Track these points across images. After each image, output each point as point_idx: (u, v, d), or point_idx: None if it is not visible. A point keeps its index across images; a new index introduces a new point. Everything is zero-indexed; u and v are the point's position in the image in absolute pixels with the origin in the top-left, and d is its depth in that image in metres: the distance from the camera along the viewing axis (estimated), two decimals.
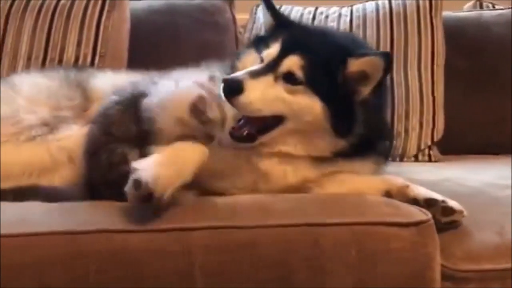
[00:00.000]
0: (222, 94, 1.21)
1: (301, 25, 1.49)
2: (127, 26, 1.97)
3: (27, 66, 1.84)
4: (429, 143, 1.94)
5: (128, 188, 1.04)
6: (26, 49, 1.87)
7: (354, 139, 1.25)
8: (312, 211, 1.10)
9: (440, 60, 2.00)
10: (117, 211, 1.08)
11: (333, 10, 2.15)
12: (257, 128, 1.25)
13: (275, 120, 1.25)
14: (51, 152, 1.32)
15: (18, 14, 1.89)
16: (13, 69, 1.84)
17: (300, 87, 1.24)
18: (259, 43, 1.36)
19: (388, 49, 1.98)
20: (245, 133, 1.24)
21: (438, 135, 1.95)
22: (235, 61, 1.39)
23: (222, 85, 1.21)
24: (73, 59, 1.86)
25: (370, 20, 2.05)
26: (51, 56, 1.86)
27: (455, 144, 2.00)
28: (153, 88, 1.31)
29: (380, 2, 2.09)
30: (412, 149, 1.93)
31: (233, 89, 1.20)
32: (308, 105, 1.23)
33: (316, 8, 2.17)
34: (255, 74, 1.24)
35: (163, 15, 2.09)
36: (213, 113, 1.18)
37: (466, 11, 2.31)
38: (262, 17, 1.48)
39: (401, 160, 1.92)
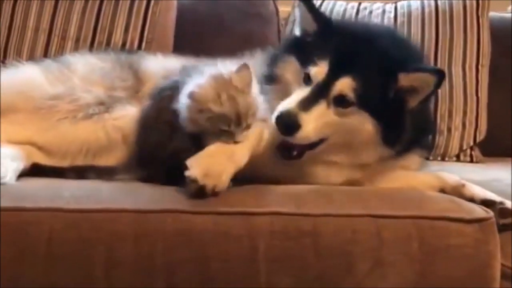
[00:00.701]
0: (278, 129, 1.18)
1: (348, 33, 1.31)
2: (173, 13, 1.98)
3: (75, 48, 1.86)
4: (471, 143, 1.93)
5: (185, 184, 1.08)
6: (74, 31, 1.88)
7: (400, 146, 1.24)
8: (374, 203, 1.11)
9: (486, 60, 1.99)
10: (183, 192, 1.09)
11: (377, 6, 2.14)
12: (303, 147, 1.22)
13: (320, 140, 1.23)
14: (107, 131, 1.34)
15: None
16: (61, 50, 1.86)
17: (352, 109, 1.21)
18: (300, 51, 1.30)
19: (433, 47, 1.97)
20: (294, 153, 1.22)
21: (480, 136, 1.94)
22: (274, 69, 1.33)
23: (275, 121, 1.18)
24: (120, 43, 1.87)
25: (415, 18, 2.04)
26: (99, 39, 1.87)
27: (496, 146, 1.99)
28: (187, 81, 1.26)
29: (425, 1, 2.08)
30: (454, 148, 1.92)
31: (289, 127, 1.18)
32: (359, 124, 1.21)
33: (360, 4, 2.15)
34: (307, 104, 1.19)
35: (207, 5, 2.10)
36: (219, 108, 1.12)
37: (510, 12, 2.29)
38: (299, 17, 1.38)
39: (443, 159, 1.92)
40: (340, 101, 1.21)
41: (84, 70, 1.44)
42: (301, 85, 1.25)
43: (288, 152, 1.22)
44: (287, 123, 1.18)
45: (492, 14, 2.11)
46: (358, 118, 1.21)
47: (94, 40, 1.87)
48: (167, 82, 1.34)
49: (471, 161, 1.92)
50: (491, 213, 1.12)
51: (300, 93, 1.22)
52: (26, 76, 1.42)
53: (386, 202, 1.11)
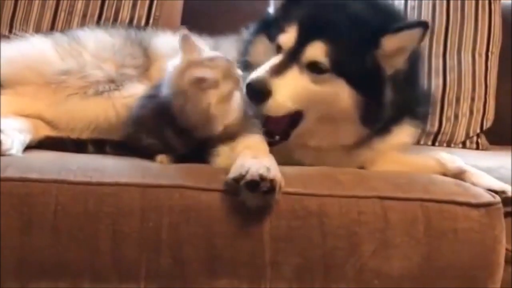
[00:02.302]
0: (249, 99, 1.14)
1: (315, 1, 1.24)
2: None
3: (82, 24, 1.84)
4: (478, 130, 1.92)
5: (245, 198, 1.01)
6: (81, 6, 1.86)
7: (381, 125, 1.20)
8: (381, 185, 1.10)
9: (496, 47, 1.96)
10: (188, 169, 1.09)
11: None
12: (285, 124, 1.19)
13: (298, 114, 1.19)
14: (116, 109, 1.34)
15: None
16: (68, 25, 1.85)
17: (326, 76, 1.15)
18: (270, 27, 1.25)
19: (443, 33, 1.95)
20: (277, 138, 1.19)
21: (487, 124, 1.93)
22: (246, 56, 1.28)
23: (246, 92, 1.14)
24: (127, 20, 1.86)
25: (426, 2, 2.01)
26: (106, 16, 1.86)
27: (502, 134, 1.98)
28: None
29: None
30: (460, 135, 1.91)
31: (259, 94, 1.13)
32: (335, 93, 1.16)
33: None
34: (278, 70, 1.14)
35: None
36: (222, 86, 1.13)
37: None
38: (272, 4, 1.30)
39: (448, 145, 1.91)
40: (314, 67, 1.15)
41: (95, 46, 1.43)
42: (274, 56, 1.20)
43: (271, 135, 1.18)
44: (257, 90, 1.12)
45: (503, 2, 2.08)
46: (334, 86, 1.15)
47: (101, 17, 1.85)
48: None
49: (477, 148, 1.91)
50: (497, 198, 1.11)
51: (271, 61, 1.17)
52: (37, 49, 1.40)
53: (393, 184, 1.11)
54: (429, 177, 1.17)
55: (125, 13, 1.86)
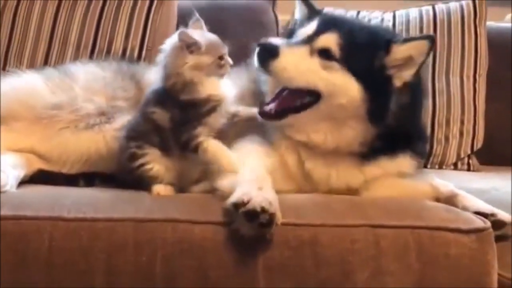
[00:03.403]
0: (256, 59, 1.20)
1: (339, 14, 1.49)
2: (174, 21, 1.99)
3: (76, 55, 1.87)
4: (469, 152, 1.94)
5: (240, 225, 1.02)
6: (75, 37, 1.90)
7: (384, 130, 1.23)
8: (372, 212, 1.11)
9: (483, 69, 2.01)
10: (181, 201, 1.10)
11: (376, 14, 2.16)
12: (287, 105, 1.23)
13: (309, 100, 1.23)
14: (107, 141, 1.35)
15: (69, 3, 1.92)
16: (62, 57, 1.88)
17: (335, 64, 1.22)
18: (293, 32, 1.33)
19: (431, 57, 1.97)
20: (272, 111, 1.22)
21: (478, 145, 1.96)
22: None
23: (257, 49, 1.20)
24: (120, 51, 1.88)
25: (414, 27, 2.06)
26: (99, 46, 1.89)
27: (493, 155, 2.01)
28: None
29: (423, 9, 2.10)
30: (451, 157, 1.94)
31: (268, 52, 1.19)
32: (344, 84, 1.21)
33: (358, 12, 2.17)
34: (290, 45, 1.23)
35: (209, 13, 2.09)
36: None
37: (507, 22, 2.31)
38: (297, 13, 1.45)
39: (440, 167, 1.93)
40: (324, 54, 1.22)
41: (86, 79, 1.45)
42: None
43: (268, 108, 1.22)
44: (267, 47, 1.19)
45: (489, 23, 2.13)
46: (343, 78, 1.21)
47: (95, 47, 1.89)
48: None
49: (468, 169, 1.93)
50: (488, 224, 1.12)
51: (287, 41, 1.26)
52: (28, 84, 1.42)
53: (384, 212, 1.12)
54: (420, 204, 1.18)
55: (118, 44, 1.89)
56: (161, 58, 1.28)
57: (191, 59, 1.21)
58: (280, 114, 1.23)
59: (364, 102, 1.21)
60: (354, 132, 1.23)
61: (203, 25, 1.32)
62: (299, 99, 1.23)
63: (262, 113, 1.23)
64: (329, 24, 1.27)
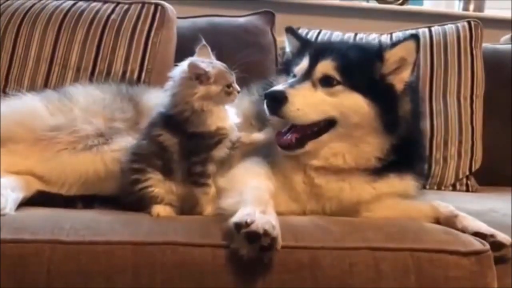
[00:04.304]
0: (267, 110, 1.24)
1: (326, 41, 1.60)
2: (173, 43, 2.01)
3: (76, 77, 1.88)
4: (467, 172, 1.95)
5: (240, 246, 1.02)
6: (75, 60, 1.91)
7: (397, 140, 1.27)
8: (371, 235, 1.12)
9: (480, 90, 2.03)
10: (181, 223, 1.10)
11: (373, 36, 2.18)
12: (304, 133, 1.26)
13: (326, 126, 1.27)
14: (105, 163, 1.36)
15: (70, 26, 1.94)
16: (62, 79, 1.89)
17: (339, 87, 1.26)
18: (289, 67, 1.39)
19: (428, 78, 2.02)
20: (293, 139, 1.25)
21: (476, 165, 1.96)
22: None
23: (265, 100, 1.24)
24: (120, 73, 1.90)
25: None
26: (99, 69, 1.90)
27: (491, 175, 2.01)
28: None
29: (420, 31, 2.12)
30: (450, 178, 1.94)
31: (276, 100, 1.23)
32: (353, 103, 1.25)
33: (356, 34, 2.20)
34: (292, 84, 1.27)
35: (207, 35, 2.12)
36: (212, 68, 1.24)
37: (504, 44, 2.34)
38: (288, 45, 1.51)
39: (439, 188, 1.94)
40: (326, 81, 1.27)
41: (85, 101, 1.46)
42: None
43: (285, 138, 1.24)
44: (274, 95, 1.23)
45: (485, 45, 2.15)
46: (349, 98, 1.25)
47: (95, 70, 1.90)
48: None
49: (467, 190, 1.94)
50: (487, 246, 1.13)
51: (287, 82, 1.31)
52: (27, 107, 1.44)
53: (383, 234, 1.12)
54: (419, 226, 1.18)
55: (118, 66, 1.90)
56: (169, 85, 1.30)
57: (200, 90, 1.23)
58: (300, 142, 1.26)
59: (376, 115, 1.26)
60: (372, 147, 1.27)
61: (210, 52, 1.34)
62: (315, 126, 1.27)
63: (282, 145, 1.26)
64: (320, 53, 1.32)
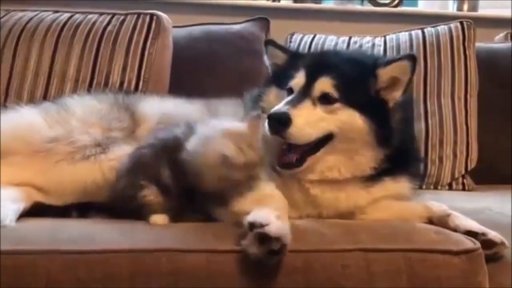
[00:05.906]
0: (269, 130, 1.24)
1: (316, 52, 1.62)
2: (169, 52, 2.04)
3: (74, 89, 1.92)
4: (463, 172, 1.96)
5: (250, 244, 1.04)
6: (73, 72, 1.94)
7: (391, 150, 1.30)
8: (363, 236, 1.13)
9: (474, 90, 2.04)
10: (176, 230, 1.12)
11: (367, 39, 2.20)
12: (302, 150, 1.28)
13: (322, 140, 1.29)
14: (103, 172, 1.38)
15: (67, 38, 1.97)
16: (61, 91, 1.92)
17: (337, 105, 1.29)
18: (277, 80, 1.40)
19: (421, 79, 2.03)
20: (294, 159, 1.27)
21: (471, 165, 1.98)
22: (260, 103, 1.41)
23: (267, 122, 1.25)
24: (118, 83, 1.93)
25: (404, 50, 2.10)
26: (97, 80, 1.93)
27: (487, 174, 2.02)
28: (191, 133, 1.29)
29: (413, 33, 2.14)
30: (446, 177, 1.96)
31: (281, 122, 1.24)
32: (350, 120, 1.28)
33: (350, 38, 2.22)
34: (293, 104, 1.28)
35: (203, 43, 2.16)
36: (247, 156, 1.19)
37: (497, 43, 2.35)
38: (268, 58, 1.50)
39: (435, 188, 1.95)
40: (325, 99, 1.30)
41: (82, 112, 1.49)
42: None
43: (287, 158, 1.26)
44: (279, 118, 1.24)
45: (479, 45, 2.17)
46: (347, 114, 1.28)
47: (93, 81, 1.93)
48: (168, 134, 1.34)
49: (463, 189, 1.95)
50: (478, 244, 1.14)
51: (286, 99, 1.31)
52: (25, 119, 1.46)
53: (375, 236, 1.14)
54: (410, 226, 1.20)
55: (115, 77, 1.94)
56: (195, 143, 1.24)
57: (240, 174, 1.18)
58: (300, 160, 1.28)
59: (371, 129, 1.28)
60: (366, 159, 1.30)
61: (260, 123, 1.26)
62: (313, 141, 1.28)
63: (285, 165, 1.27)
64: (316, 68, 1.34)
